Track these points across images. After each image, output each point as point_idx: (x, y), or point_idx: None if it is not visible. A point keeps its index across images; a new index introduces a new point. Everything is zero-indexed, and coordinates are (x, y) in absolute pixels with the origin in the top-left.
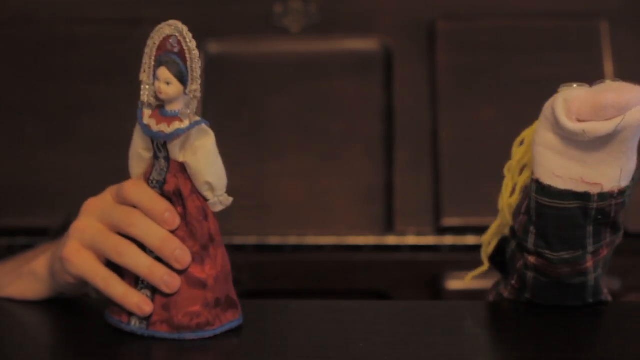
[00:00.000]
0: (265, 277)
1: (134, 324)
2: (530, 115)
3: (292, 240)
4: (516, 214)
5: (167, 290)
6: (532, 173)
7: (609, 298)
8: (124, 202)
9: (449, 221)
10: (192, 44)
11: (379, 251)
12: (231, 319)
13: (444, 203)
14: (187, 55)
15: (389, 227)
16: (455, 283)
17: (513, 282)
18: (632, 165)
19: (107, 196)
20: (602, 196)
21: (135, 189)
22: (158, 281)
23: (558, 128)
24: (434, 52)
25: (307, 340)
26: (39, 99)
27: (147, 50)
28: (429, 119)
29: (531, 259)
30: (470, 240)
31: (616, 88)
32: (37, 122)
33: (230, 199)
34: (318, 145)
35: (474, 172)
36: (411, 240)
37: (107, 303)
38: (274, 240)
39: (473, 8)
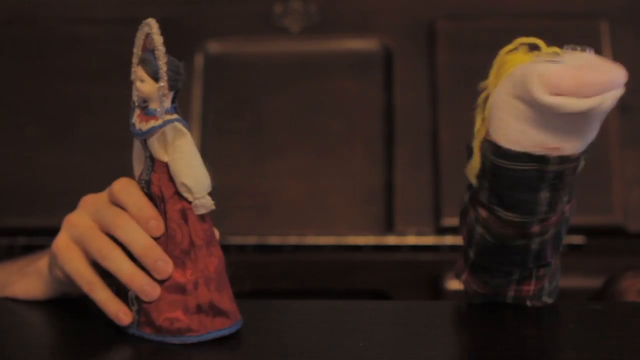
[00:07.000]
0: (265, 277)
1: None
2: None
3: (292, 240)
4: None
5: (145, 299)
6: (488, 133)
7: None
8: (115, 202)
9: (449, 221)
10: (159, 39)
11: (379, 251)
12: (219, 327)
13: (444, 203)
14: (156, 52)
15: (389, 227)
16: (455, 283)
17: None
18: (593, 136)
19: (104, 194)
20: (562, 159)
21: (125, 190)
22: (137, 290)
23: (529, 99)
24: (434, 52)
25: (307, 340)
26: (39, 99)
27: (134, 50)
28: (429, 119)
29: (483, 213)
30: None
31: (598, 66)
32: (37, 122)
33: (212, 203)
34: (318, 145)
35: None
36: (411, 240)
37: None
38: (274, 240)
39: (473, 8)
